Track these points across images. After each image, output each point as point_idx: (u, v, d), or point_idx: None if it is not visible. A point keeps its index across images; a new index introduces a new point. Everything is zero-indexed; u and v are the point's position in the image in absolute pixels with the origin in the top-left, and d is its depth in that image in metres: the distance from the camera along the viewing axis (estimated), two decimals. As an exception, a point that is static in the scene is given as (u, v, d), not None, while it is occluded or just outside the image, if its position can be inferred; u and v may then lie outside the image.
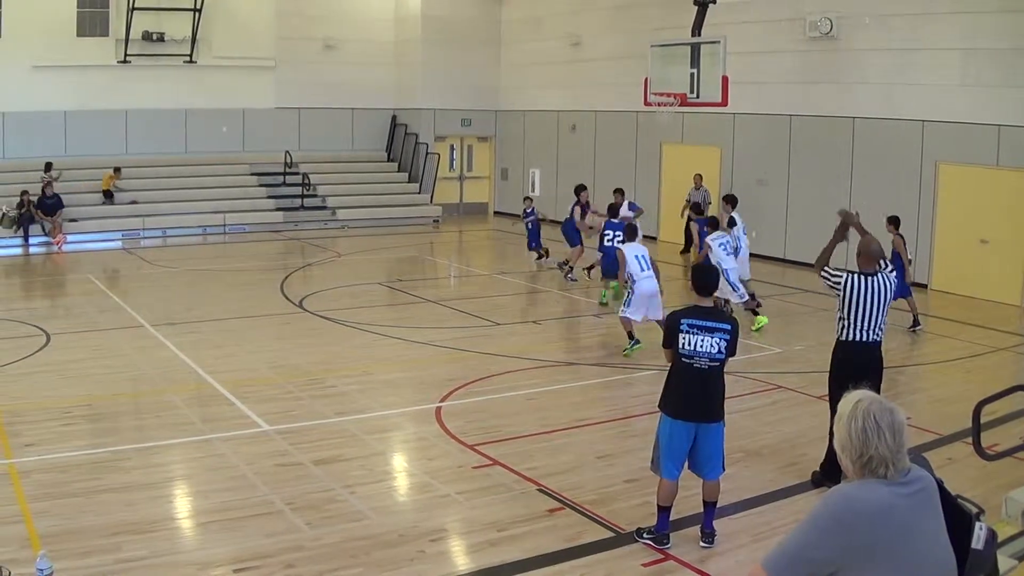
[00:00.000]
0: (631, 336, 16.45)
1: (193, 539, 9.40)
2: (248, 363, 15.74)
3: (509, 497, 10.21)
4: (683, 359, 8.73)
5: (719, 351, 8.72)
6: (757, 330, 18.33)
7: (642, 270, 16.20)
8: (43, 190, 29.78)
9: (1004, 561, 6.66)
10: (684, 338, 8.69)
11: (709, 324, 8.72)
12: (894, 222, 18.58)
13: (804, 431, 12.45)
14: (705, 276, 9.08)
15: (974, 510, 4.28)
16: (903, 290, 18.20)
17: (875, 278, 10.20)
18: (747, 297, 18.47)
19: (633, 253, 16.39)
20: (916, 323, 18.61)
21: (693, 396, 8.77)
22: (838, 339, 10.34)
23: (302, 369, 15.48)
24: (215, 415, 13.19)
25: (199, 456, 11.71)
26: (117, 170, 31.98)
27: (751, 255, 20.33)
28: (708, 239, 18.47)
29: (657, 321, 15.62)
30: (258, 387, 14.31)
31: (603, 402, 13.95)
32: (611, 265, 19.49)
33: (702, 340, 8.66)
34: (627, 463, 11.21)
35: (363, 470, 11.00)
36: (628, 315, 16.30)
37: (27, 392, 13.90)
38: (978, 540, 4.19)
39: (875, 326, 10.22)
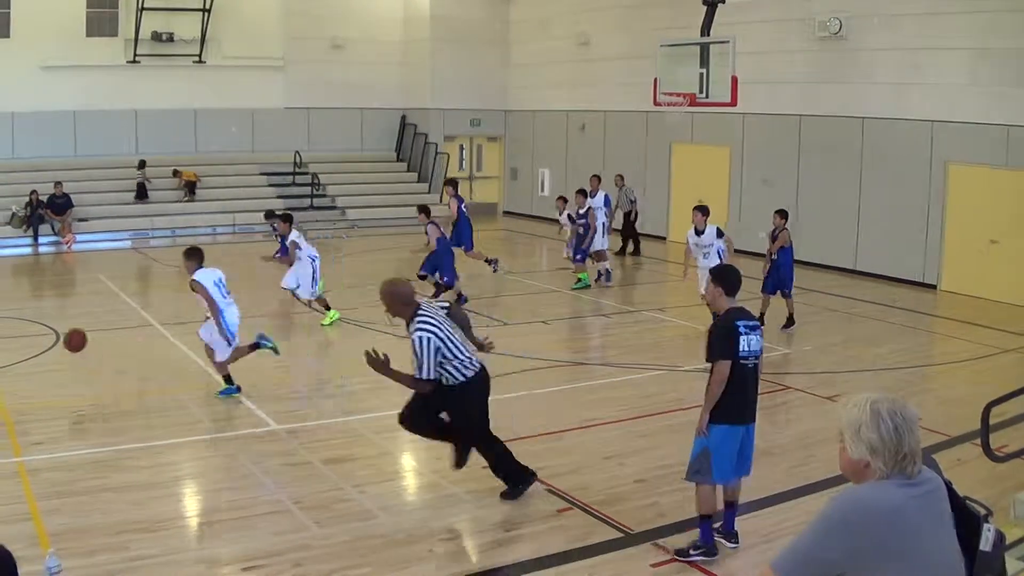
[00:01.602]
0: (229, 380, 13.97)
1: (202, 538, 9.43)
2: (257, 362, 15.74)
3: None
4: (740, 361, 8.60)
5: (761, 348, 8.74)
6: (328, 324, 18.62)
7: (224, 296, 13.72)
8: (138, 185, 31.89)
9: (1012, 563, 6.68)
10: (744, 340, 8.58)
11: (752, 323, 8.73)
12: (783, 215, 18.42)
13: (813, 431, 12.45)
14: (733, 277, 8.93)
15: (982, 512, 4.27)
16: (788, 284, 18.27)
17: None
18: (318, 295, 18.78)
19: (212, 279, 13.64)
20: (791, 322, 18.49)
21: (747, 397, 8.73)
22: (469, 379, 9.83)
23: (311, 368, 15.50)
24: (224, 414, 13.23)
25: (208, 455, 11.76)
26: (177, 173, 33.17)
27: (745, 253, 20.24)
28: (292, 238, 18.64)
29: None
30: (267, 386, 14.32)
31: (612, 402, 13.90)
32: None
33: (752, 339, 8.62)
34: (636, 463, 11.21)
35: (372, 469, 11.02)
36: (231, 351, 13.90)
37: (36, 391, 13.95)
38: (986, 542, 4.19)
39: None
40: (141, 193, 32.13)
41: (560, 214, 23.87)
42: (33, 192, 29.29)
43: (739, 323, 8.62)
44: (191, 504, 10.50)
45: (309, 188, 34.77)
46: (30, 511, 9.73)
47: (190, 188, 32.89)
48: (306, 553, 8.85)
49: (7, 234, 29.07)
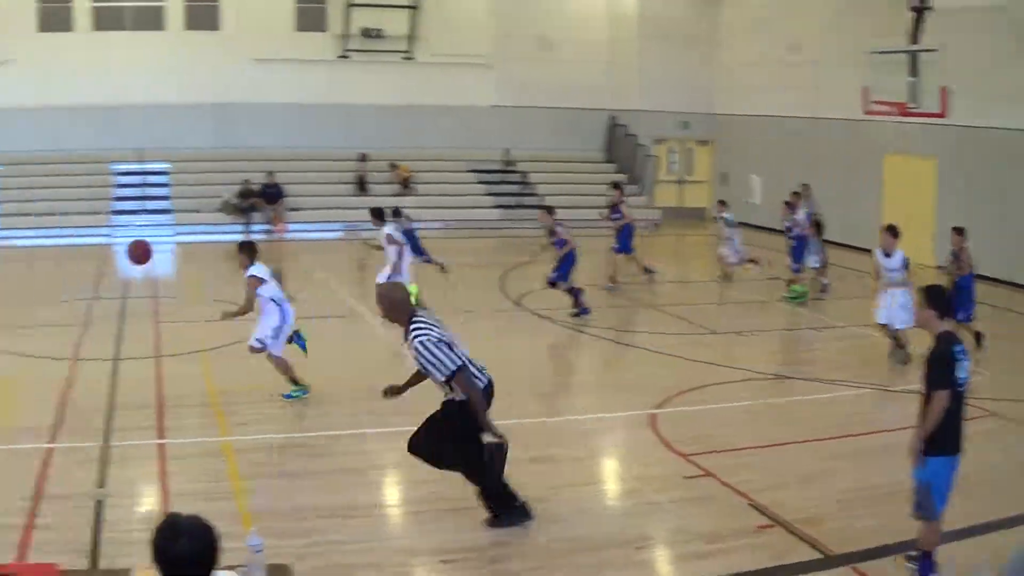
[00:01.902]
0: (296, 381, 13.67)
1: (401, 527, 9.61)
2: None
3: (719, 510, 10.05)
4: (958, 388, 8.14)
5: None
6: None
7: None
8: (358, 178, 32.89)
9: None
10: (960, 366, 8.12)
11: (963, 347, 8.28)
12: (961, 232, 17.20)
13: (1018, 462, 11.86)
14: (946, 298, 8.48)
15: None
16: (968, 307, 16.78)
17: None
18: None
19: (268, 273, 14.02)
20: (980, 340, 16.91)
21: (962, 424, 8.27)
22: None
23: (515, 366, 15.51)
24: (428, 407, 13.34)
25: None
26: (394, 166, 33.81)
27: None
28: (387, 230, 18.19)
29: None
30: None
31: (817, 419, 13.55)
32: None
33: (967, 364, 8.18)
34: (838, 483, 10.87)
35: (572, 472, 10.97)
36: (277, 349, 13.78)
37: (243, 374, 14.36)
38: None
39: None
40: (361, 185, 32.82)
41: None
42: (246, 181, 30.30)
43: (956, 348, 8.17)
44: (392, 493, 10.68)
45: (517, 186, 35.04)
46: (233, 489, 9.99)
47: (405, 183, 33.37)
48: (502, 551, 8.90)
49: (221, 220, 30.12)
